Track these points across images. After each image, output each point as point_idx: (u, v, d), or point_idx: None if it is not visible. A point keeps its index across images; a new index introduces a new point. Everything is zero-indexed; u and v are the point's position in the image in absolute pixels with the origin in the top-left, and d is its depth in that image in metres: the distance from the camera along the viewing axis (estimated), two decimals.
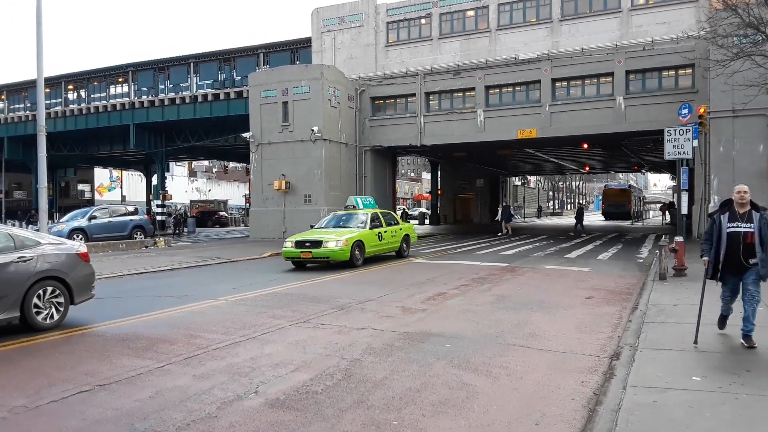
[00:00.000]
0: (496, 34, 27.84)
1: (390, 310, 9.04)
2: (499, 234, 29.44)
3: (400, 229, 18.00)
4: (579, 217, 32.36)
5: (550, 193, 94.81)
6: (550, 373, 5.62)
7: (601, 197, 65.31)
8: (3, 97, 46.83)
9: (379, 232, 16.49)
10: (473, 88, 27.85)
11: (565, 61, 25.73)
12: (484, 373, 5.64)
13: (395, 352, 6.44)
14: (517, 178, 64.42)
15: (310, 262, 15.14)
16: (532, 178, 77.98)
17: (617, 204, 55.29)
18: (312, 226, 18.40)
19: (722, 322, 6.65)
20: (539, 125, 26.40)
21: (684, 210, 14.93)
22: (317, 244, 14.83)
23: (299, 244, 15.12)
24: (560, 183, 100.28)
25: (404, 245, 18.02)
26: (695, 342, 6.15)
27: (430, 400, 4.87)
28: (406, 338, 7.07)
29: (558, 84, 26.34)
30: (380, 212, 17.62)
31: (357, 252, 15.14)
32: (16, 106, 46.35)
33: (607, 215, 55.66)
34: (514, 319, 8.22)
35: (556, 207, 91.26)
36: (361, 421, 4.41)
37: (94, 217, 24.64)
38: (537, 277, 13.30)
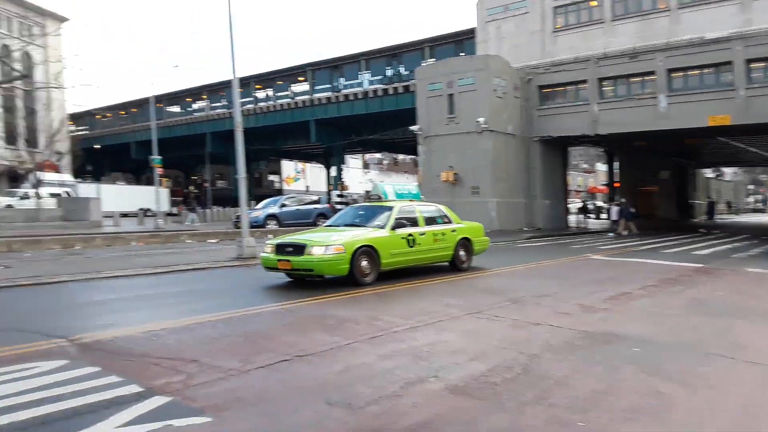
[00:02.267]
0: (678, 13, 25.16)
1: (567, 307, 8.70)
2: (610, 235, 25.97)
3: (453, 231, 12.46)
4: (710, 213, 31.43)
5: (750, 186, 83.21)
6: (760, 389, 4.99)
7: None
8: (204, 96, 53.72)
9: (410, 235, 11.34)
10: (653, 72, 25.51)
11: (761, 40, 22.39)
12: (680, 383, 5.17)
13: (576, 351, 6.18)
14: (710, 170, 57.57)
15: (290, 274, 10.75)
16: (728, 170, 69.12)
17: None
18: (320, 223, 15.24)
19: None
20: (733, 111, 23.34)
21: None
22: (300, 249, 10.17)
23: (280, 248, 10.54)
24: (761, 176, 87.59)
25: (461, 253, 12.55)
26: None
27: (619, 405, 4.60)
28: (586, 337, 6.76)
29: (753, 65, 23.00)
30: (419, 207, 12.50)
31: (363, 263, 10.31)
32: (215, 104, 52.85)
33: None
34: (712, 326, 7.41)
35: (757, 203, 79.95)
36: (544, 418, 4.32)
37: (285, 205, 27.61)
38: (739, 280, 11.86)
